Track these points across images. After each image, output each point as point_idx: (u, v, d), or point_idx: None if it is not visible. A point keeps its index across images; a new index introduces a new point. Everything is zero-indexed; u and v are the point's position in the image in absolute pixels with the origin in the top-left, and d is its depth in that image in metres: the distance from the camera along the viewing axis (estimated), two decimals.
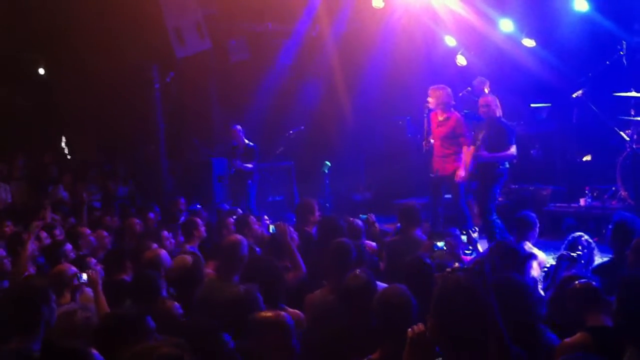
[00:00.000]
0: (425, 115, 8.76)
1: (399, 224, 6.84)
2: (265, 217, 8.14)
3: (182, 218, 8.34)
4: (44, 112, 13.92)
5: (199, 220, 7.19)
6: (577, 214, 9.48)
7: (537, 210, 9.61)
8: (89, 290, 5.08)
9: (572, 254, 5.39)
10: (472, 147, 8.40)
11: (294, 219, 7.40)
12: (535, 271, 5.76)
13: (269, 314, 3.68)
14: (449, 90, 8.63)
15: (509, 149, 8.22)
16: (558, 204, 9.82)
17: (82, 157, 14.48)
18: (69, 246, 6.28)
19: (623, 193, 8.92)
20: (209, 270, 5.54)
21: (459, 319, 2.89)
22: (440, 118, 8.55)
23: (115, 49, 11.29)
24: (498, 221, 8.18)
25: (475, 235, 6.49)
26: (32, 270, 5.95)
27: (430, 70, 11.75)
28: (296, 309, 4.58)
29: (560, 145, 10.87)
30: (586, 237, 5.64)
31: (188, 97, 13.61)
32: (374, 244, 6.71)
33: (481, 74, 10.05)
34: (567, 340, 3.88)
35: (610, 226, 5.82)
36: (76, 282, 5.08)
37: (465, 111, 9.41)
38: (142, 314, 3.59)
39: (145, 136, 13.24)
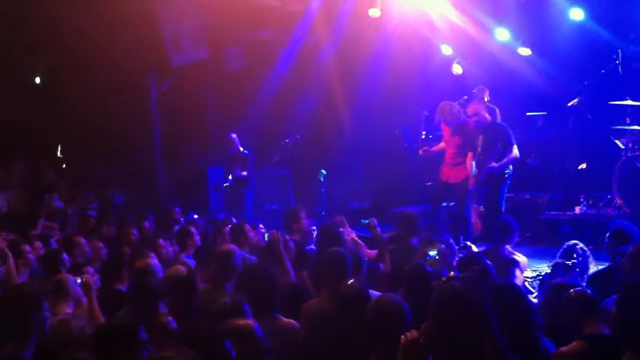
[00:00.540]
0: (422, 121, 8.87)
1: (396, 231, 6.85)
2: (261, 225, 8.12)
3: (177, 227, 8.32)
4: (41, 119, 13.90)
5: (193, 229, 7.18)
6: (573, 221, 9.49)
7: (533, 218, 9.72)
8: (85, 301, 5.06)
9: (567, 262, 5.40)
10: (470, 153, 8.48)
11: None
12: (519, 279, 5.82)
13: (238, 322, 3.67)
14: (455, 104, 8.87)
15: (511, 150, 8.30)
16: (554, 212, 9.84)
17: (79, 165, 14.44)
18: (64, 255, 6.25)
19: (619, 201, 8.93)
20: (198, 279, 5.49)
21: (456, 327, 2.89)
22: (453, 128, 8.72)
23: (112, 58, 11.30)
24: None
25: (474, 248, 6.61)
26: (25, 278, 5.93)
27: (426, 79, 11.79)
28: (285, 316, 4.54)
29: (556, 153, 10.89)
30: (581, 245, 5.66)
31: (184, 105, 13.60)
32: (372, 252, 6.70)
33: (477, 82, 10.07)
34: (564, 348, 3.88)
35: (607, 234, 5.84)
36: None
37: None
38: (135, 325, 3.57)
39: (142, 144, 13.23)
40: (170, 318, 4.44)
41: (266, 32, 12.54)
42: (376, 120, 12.93)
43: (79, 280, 5.01)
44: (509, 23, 10.17)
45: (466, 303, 2.95)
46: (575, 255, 5.48)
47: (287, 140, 12.17)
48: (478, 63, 11.03)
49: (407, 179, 11.62)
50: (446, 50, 11.23)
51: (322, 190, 11.32)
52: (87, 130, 13.60)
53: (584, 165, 10.46)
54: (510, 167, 8.43)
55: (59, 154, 14.75)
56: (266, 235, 6.50)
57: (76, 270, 5.69)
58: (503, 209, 8.29)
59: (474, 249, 6.72)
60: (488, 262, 5.02)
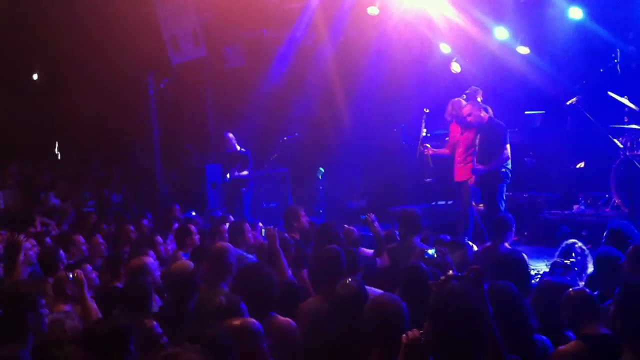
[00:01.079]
0: (423, 119, 8.96)
1: (397, 230, 6.78)
2: (260, 224, 8.11)
3: (176, 225, 8.31)
4: (39, 118, 13.88)
5: (192, 227, 7.16)
6: (571, 221, 9.49)
7: (531, 218, 9.72)
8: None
9: (565, 261, 5.39)
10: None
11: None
12: None
13: (235, 321, 3.66)
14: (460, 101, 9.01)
15: (502, 151, 8.33)
16: (552, 211, 9.83)
17: (76, 164, 14.43)
18: (61, 253, 6.22)
19: (617, 200, 8.93)
20: None
21: (454, 327, 2.88)
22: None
23: (111, 56, 11.28)
24: None
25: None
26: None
27: (424, 78, 11.79)
28: (281, 314, 4.53)
29: (555, 152, 10.88)
30: (580, 244, 5.65)
31: (183, 103, 13.59)
32: (369, 251, 6.66)
33: (476, 81, 10.07)
34: (562, 348, 3.88)
35: (605, 233, 5.84)
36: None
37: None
38: (124, 329, 3.52)
39: (140, 142, 13.21)
40: (155, 323, 4.38)
41: (265, 30, 12.52)
42: (374, 119, 12.92)
43: (71, 276, 4.97)
44: (508, 22, 10.17)
45: (464, 303, 2.94)
46: (573, 255, 5.47)
47: (285, 138, 12.16)
48: (477, 62, 11.03)
49: (406, 178, 11.60)
50: (445, 48, 11.22)
51: (320, 188, 11.33)
52: (84, 129, 13.59)
53: (582, 165, 10.46)
54: (509, 165, 8.45)
55: (56, 152, 14.74)
56: (263, 231, 6.48)
57: (74, 268, 5.66)
58: (502, 208, 8.30)
59: (474, 248, 6.70)
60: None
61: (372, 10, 10.80)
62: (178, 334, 3.80)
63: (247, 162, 11.07)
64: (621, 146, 8.93)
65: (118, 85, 12.22)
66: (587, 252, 5.59)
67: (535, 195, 10.26)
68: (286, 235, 6.31)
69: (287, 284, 5.27)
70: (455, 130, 9.14)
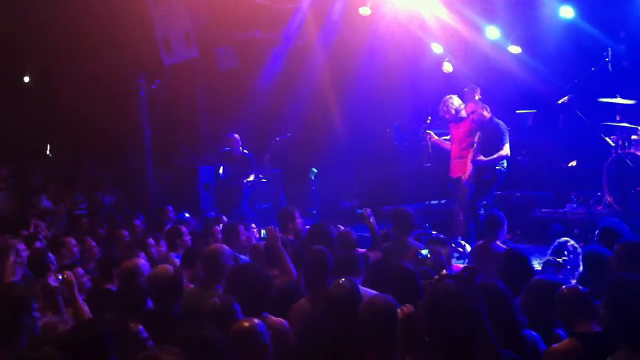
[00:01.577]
0: (422, 133, 9.06)
1: (391, 229, 6.75)
2: (253, 225, 8.09)
3: (168, 226, 8.28)
4: (31, 119, 13.81)
5: (183, 228, 7.13)
6: (564, 219, 9.52)
7: (524, 216, 9.75)
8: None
9: (558, 259, 5.40)
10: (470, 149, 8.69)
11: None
12: None
13: (244, 323, 3.66)
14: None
15: (502, 149, 8.46)
16: (545, 210, 9.87)
17: (68, 165, 14.36)
18: (51, 256, 6.18)
19: (609, 198, 8.96)
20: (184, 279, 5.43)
21: (449, 326, 2.89)
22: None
23: (103, 56, 11.25)
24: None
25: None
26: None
27: (417, 78, 11.80)
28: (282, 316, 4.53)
29: (547, 151, 10.91)
30: (572, 242, 5.66)
31: (176, 104, 13.56)
32: (363, 250, 6.65)
33: (467, 80, 10.09)
34: (556, 346, 3.88)
35: (597, 231, 5.85)
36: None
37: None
38: (101, 334, 3.48)
39: (132, 144, 13.17)
40: (140, 327, 4.34)
41: (257, 31, 12.52)
42: (367, 119, 12.92)
43: (60, 277, 4.92)
44: (499, 21, 10.20)
45: (459, 301, 2.94)
46: (566, 253, 5.49)
47: (278, 139, 12.14)
48: (468, 61, 11.05)
49: (399, 178, 11.61)
50: (437, 48, 11.24)
51: (314, 189, 11.30)
52: (76, 130, 13.54)
53: (574, 163, 10.50)
54: (505, 165, 8.51)
55: (48, 153, 14.67)
56: (263, 232, 6.44)
57: (65, 270, 5.63)
58: (482, 210, 8.36)
59: (467, 248, 6.70)
60: None
61: (364, 11, 10.82)
62: (164, 338, 3.78)
63: (250, 164, 11.13)
64: (613, 144, 8.96)
65: (110, 86, 12.19)
66: (579, 250, 5.60)
67: (528, 193, 10.30)
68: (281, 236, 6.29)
69: (294, 284, 5.25)
70: (451, 128, 9.21)
